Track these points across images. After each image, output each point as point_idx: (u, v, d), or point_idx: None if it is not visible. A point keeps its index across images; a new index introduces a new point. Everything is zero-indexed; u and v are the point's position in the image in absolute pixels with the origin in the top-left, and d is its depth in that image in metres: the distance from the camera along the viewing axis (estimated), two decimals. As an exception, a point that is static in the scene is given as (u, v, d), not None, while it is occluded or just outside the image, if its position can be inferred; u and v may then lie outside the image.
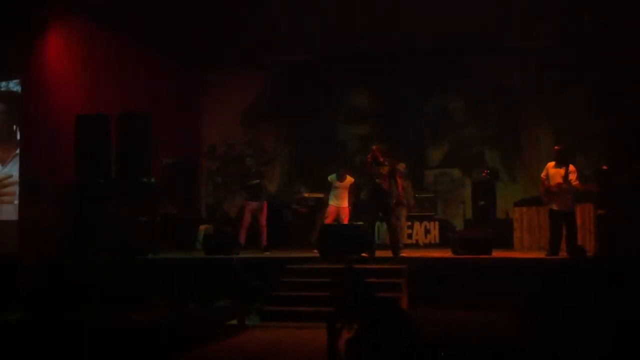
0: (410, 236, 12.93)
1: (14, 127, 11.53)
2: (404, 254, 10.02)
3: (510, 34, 13.19)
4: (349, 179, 11.11)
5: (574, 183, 9.50)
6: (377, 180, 9.88)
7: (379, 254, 10.58)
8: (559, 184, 9.57)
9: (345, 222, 10.89)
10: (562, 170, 9.59)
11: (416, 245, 12.46)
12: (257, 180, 11.34)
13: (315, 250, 10.60)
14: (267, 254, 10.86)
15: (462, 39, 13.25)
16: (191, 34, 13.44)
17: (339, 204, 10.92)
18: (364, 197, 14.18)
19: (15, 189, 11.11)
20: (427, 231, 12.87)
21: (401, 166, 12.13)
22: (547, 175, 9.77)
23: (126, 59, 12.66)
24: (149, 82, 12.98)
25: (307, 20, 13.23)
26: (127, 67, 12.58)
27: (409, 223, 12.78)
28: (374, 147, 10.06)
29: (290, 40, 13.85)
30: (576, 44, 12.89)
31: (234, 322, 8.44)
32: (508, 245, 11.89)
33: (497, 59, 13.85)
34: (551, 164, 9.83)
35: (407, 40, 13.57)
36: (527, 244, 11.83)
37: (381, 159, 9.91)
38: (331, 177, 11.04)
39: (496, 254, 10.09)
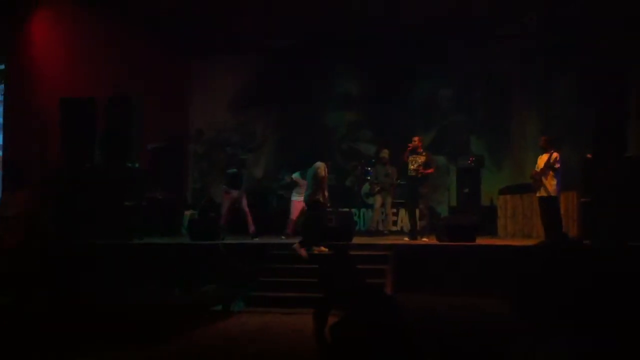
0: (395, 223, 12.99)
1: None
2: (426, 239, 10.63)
3: (499, 20, 13.17)
4: None
5: (555, 167, 9.66)
6: (412, 168, 10.64)
7: (363, 240, 10.66)
8: (535, 171, 9.85)
9: None
10: (545, 157, 9.77)
11: (401, 232, 12.51)
12: (235, 170, 11.40)
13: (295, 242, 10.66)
14: (257, 240, 10.88)
15: (451, 25, 13.22)
16: (180, 17, 13.32)
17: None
18: (349, 183, 14.28)
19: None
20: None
21: (385, 153, 12.23)
22: (537, 165, 9.98)
23: (113, 42, 12.52)
24: (136, 66, 12.84)
25: (296, 5, 13.10)
26: (114, 51, 12.44)
27: (394, 210, 12.84)
28: (415, 138, 10.85)
29: (279, 25, 13.77)
30: (564, 30, 12.79)
31: (219, 307, 8.48)
32: (492, 232, 11.99)
33: (486, 45, 13.79)
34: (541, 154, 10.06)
35: (396, 26, 13.52)
36: (511, 231, 11.93)
37: (420, 149, 10.74)
38: (295, 176, 11.35)
39: (480, 241, 10.18)
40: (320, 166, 9.86)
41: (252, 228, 11.18)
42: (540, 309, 7.34)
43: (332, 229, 10.05)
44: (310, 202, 9.75)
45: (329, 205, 10.26)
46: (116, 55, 12.44)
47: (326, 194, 9.77)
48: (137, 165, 11.16)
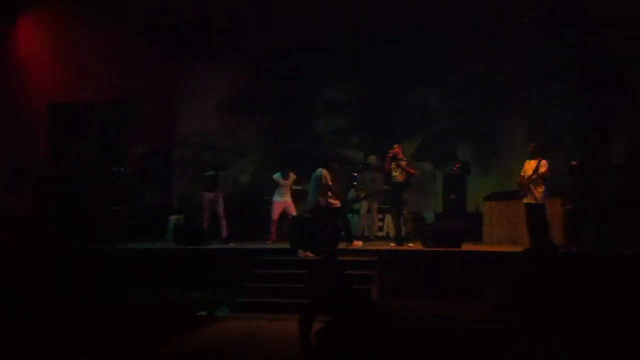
0: (381, 229, 13.01)
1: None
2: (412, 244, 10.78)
3: (493, 25, 13.20)
4: (292, 177, 11.71)
5: (544, 175, 9.69)
6: (395, 175, 10.88)
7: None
8: (522, 177, 9.83)
9: (293, 212, 11.35)
10: (533, 164, 9.79)
11: (387, 238, 12.53)
12: (212, 172, 11.44)
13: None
14: (232, 244, 10.88)
15: (443, 30, 13.25)
16: (170, 22, 13.30)
17: (285, 199, 11.46)
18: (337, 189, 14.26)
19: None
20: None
21: (372, 158, 12.27)
22: (524, 170, 9.98)
23: (104, 45, 12.44)
24: (126, 69, 12.72)
25: (287, 10, 13.10)
26: (103, 55, 12.38)
27: (380, 216, 12.86)
28: (396, 146, 11.07)
29: (270, 30, 13.78)
30: (563, 31, 12.71)
31: (204, 313, 8.47)
32: (477, 238, 12.02)
33: (477, 50, 13.72)
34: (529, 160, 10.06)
35: (393, 28, 13.50)
36: (497, 238, 11.98)
37: (401, 156, 10.95)
38: (276, 176, 11.57)
39: (465, 247, 10.23)
40: (324, 171, 10.39)
41: (225, 233, 11.21)
42: (525, 311, 7.44)
43: (319, 235, 10.07)
44: (314, 206, 10.32)
45: (340, 204, 10.84)
46: (107, 58, 12.35)
47: (330, 195, 10.43)
48: (122, 169, 11.14)
